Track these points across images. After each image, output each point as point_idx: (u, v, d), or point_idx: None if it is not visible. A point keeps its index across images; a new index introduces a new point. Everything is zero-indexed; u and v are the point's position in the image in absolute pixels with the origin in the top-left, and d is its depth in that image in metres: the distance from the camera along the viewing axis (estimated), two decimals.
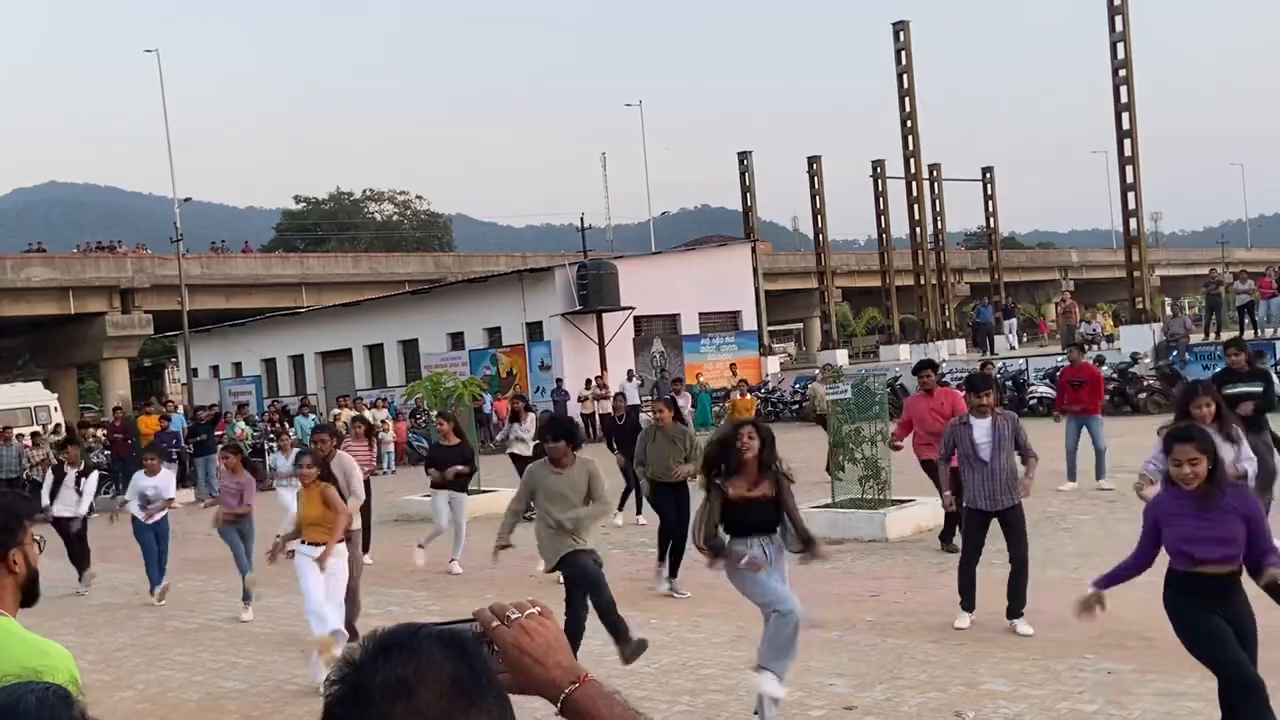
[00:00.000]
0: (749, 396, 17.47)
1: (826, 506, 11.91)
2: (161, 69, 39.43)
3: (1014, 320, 34.38)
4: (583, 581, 6.89)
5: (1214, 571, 4.63)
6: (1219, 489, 4.64)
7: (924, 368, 11.00)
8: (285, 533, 8.28)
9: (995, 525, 7.62)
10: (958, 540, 9.00)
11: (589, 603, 6.86)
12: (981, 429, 7.61)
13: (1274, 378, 10.23)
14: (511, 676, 1.39)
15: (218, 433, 22.40)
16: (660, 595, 9.44)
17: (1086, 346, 21.74)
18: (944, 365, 28.33)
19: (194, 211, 48.93)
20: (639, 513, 13.05)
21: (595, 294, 29.93)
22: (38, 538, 2.63)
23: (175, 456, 21.25)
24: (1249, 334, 24.26)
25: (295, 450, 13.38)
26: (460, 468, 11.63)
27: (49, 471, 12.88)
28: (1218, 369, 21.39)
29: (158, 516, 11.05)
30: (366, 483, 12.26)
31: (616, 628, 6.74)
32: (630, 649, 6.66)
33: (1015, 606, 7.40)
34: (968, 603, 7.63)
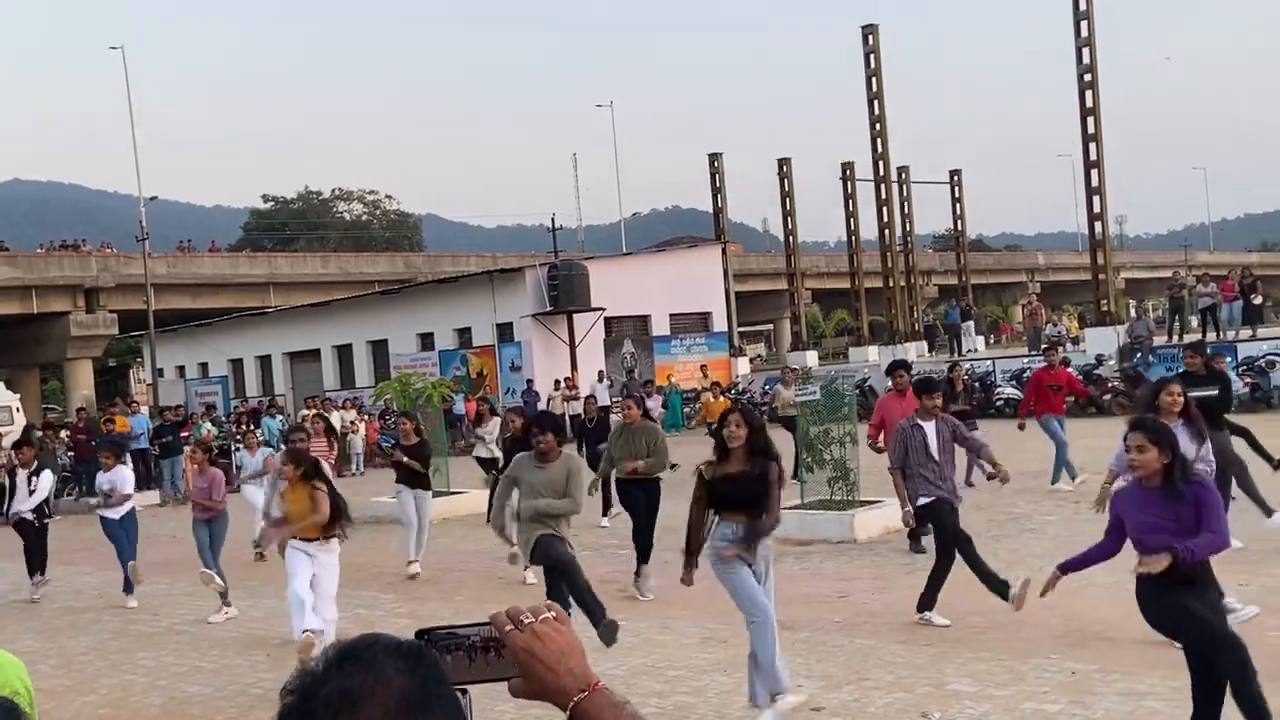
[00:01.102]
0: (723, 398, 17.46)
1: (795, 508, 11.93)
2: (127, 66, 39.07)
3: (971, 323, 34.64)
4: (557, 565, 7.12)
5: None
6: (1177, 481, 4.66)
7: (897, 368, 11.07)
8: (263, 536, 8.25)
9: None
10: (927, 541, 9.07)
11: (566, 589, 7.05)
12: (930, 430, 7.84)
13: (1231, 380, 10.36)
14: (523, 682, 1.39)
15: (184, 434, 22.16)
16: (628, 597, 9.41)
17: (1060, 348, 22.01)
18: (913, 366, 28.51)
19: (160, 210, 48.41)
20: (604, 514, 13.03)
21: (566, 295, 29.90)
22: None
23: (128, 457, 21.03)
24: (1211, 336, 24.61)
25: (262, 450, 13.34)
26: (404, 458, 11.61)
27: (5, 474, 12.72)
28: (1180, 371, 21.77)
29: (123, 510, 10.93)
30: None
31: (592, 609, 6.96)
32: (606, 630, 6.89)
33: (930, 599, 7.59)
34: (998, 585, 7.41)
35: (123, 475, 11.13)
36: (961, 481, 9.62)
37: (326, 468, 9.50)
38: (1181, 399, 6.81)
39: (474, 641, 1.40)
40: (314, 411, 24.05)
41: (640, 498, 9.78)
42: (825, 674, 6.73)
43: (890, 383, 11.05)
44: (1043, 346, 20.17)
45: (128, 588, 10.82)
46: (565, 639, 1.40)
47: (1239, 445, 10.00)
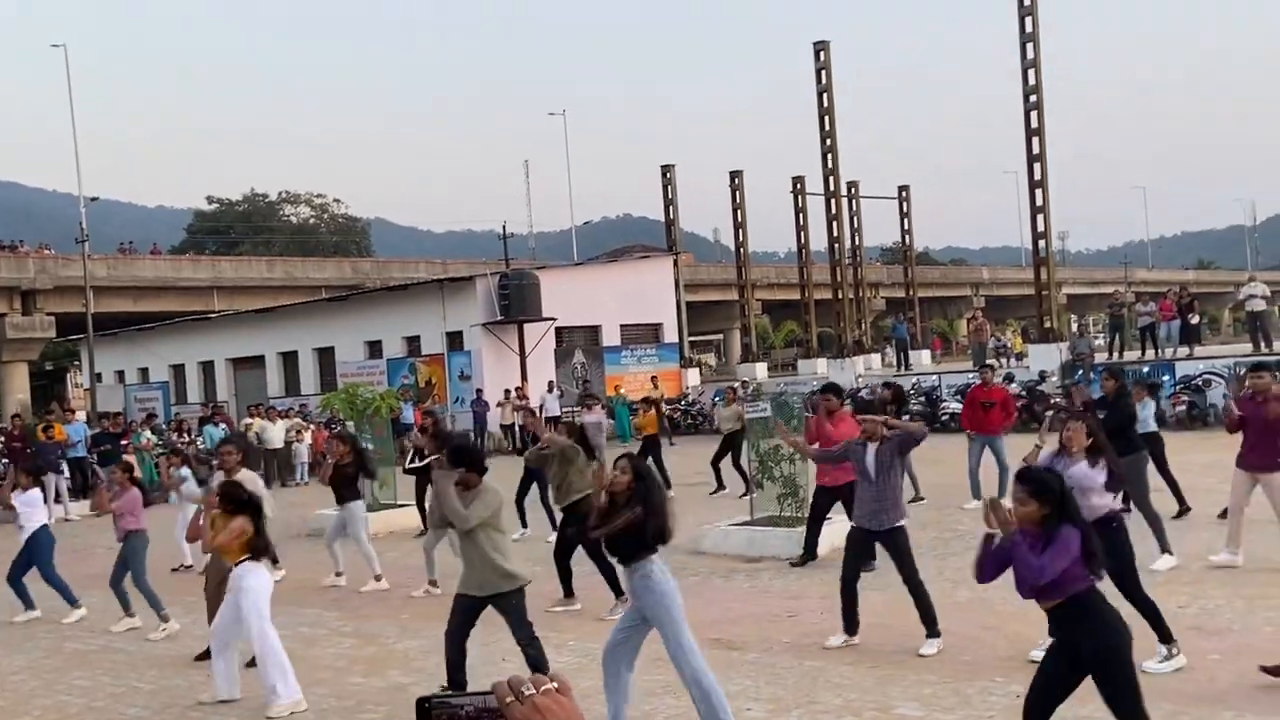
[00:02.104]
0: (651, 412, 17.75)
1: (745, 524, 11.99)
2: (69, 64, 38.33)
3: (905, 338, 35.07)
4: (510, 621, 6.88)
5: (1045, 607, 4.80)
6: (1053, 530, 4.71)
7: (826, 391, 11.11)
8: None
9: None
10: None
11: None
12: (870, 450, 7.89)
13: (1127, 408, 10.62)
14: None
15: (123, 442, 21.72)
16: (560, 614, 9.40)
17: (997, 364, 22.25)
18: (860, 380, 28.79)
19: (100, 210, 47.47)
20: (554, 528, 12.98)
21: (517, 304, 29.78)
22: None
23: (64, 468, 20.61)
24: (1150, 354, 25.11)
25: (182, 470, 13.03)
26: (324, 477, 11.68)
27: None
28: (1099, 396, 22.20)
29: (26, 533, 10.71)
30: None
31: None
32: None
33: (926, 628, 7.51)
34: (848, 625, 7.79)
35: (32, 499, 10.86)
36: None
37: (259, 487, 9.32)
38: (1082, 435, 6.82)
39: (473, 713, 1.38)
40: (255, 424, 23.72)
41: (574, 527, 9.54)
42: (774, 696, 6.75)
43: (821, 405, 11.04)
44: (980, 365, 20.41)
45: (69, 599, 10.66)
46: (566, 712, 1.39)
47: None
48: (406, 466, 14.01)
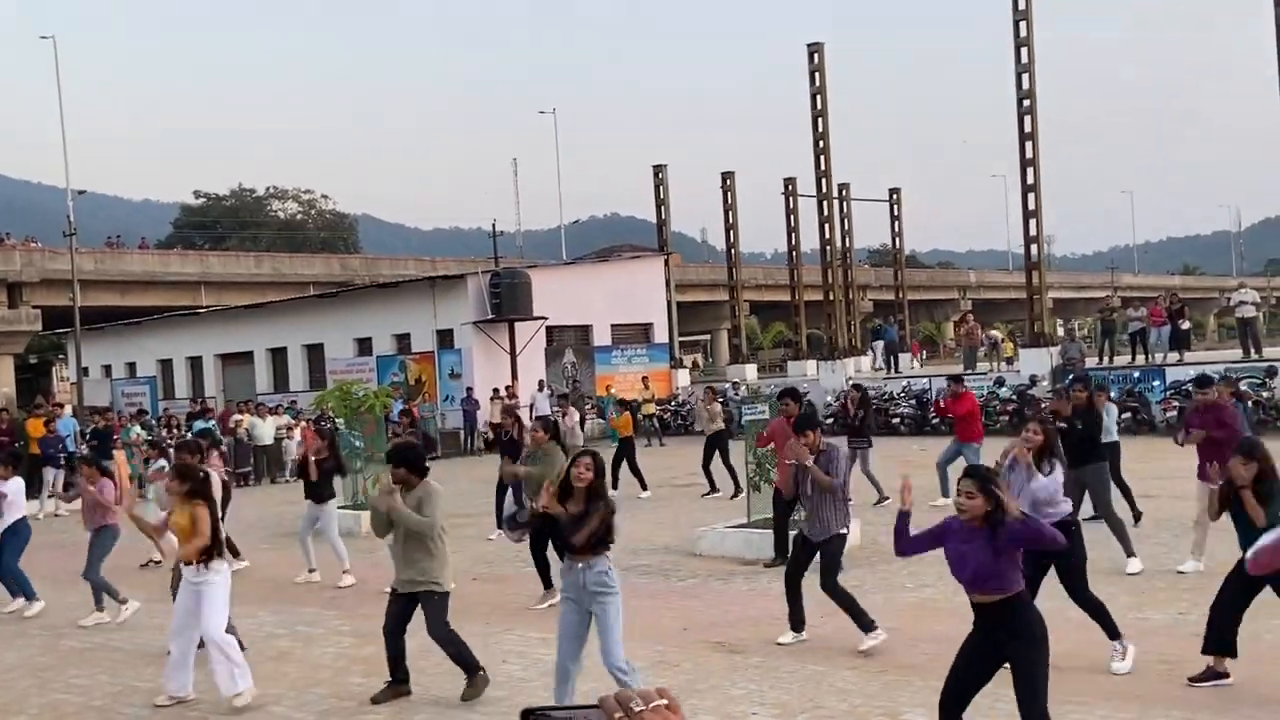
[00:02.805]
0: (626, 414, 18.28)
1: (741, 527, 11.99)
2: (58, 56, 38.05)
3: (881, 342, 35.15)
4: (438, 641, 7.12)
5: (978, 600, 5.05)
6: (997, 525, 4.96)
7: (784, 396, 11.24)
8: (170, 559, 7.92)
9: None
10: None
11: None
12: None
13: (1097, 418, 10.75)
14: None
15: (114, 437, 21.57)
16: (544, 609, 9.41)
17: (987, 371, 22.30)
18: (849, 382, 28.82)
19: (86, 203, 47.23)
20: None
21: (508, 303, 29.72)
22: None
23: (62, 463, 20.39)
24: (1140, 359, 25.23)
25: (159, 462, 13.02)
26: (313, 473, 11.72)
27: None
28: (1111, 394, 22.31)
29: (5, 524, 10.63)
30: (225, 487, 12.24)
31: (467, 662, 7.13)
32: (474, 689, 7.02)
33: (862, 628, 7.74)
34: (794, 623, 8.07)
35: (14, 487, 10.79)
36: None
37: (216, 483, 9.29)
38: (1039, 439, 7.09)
39: None
40: (245, 420, 23.61)
41: (547, 524, 9.68)
42: (779, 701, 6.73)
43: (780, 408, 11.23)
44: (966, 369, 20.45)
45: (27, 593, 10.70)
46: None
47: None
48: None
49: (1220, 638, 6.44)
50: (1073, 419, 10.13)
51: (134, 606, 9.94)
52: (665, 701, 1.37)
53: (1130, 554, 9.71)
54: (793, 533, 10.80)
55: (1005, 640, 4.96)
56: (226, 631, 7.32)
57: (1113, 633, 6.93)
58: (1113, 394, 22.06)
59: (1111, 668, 6.83)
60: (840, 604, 7.75)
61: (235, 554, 12.48)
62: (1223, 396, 10.64)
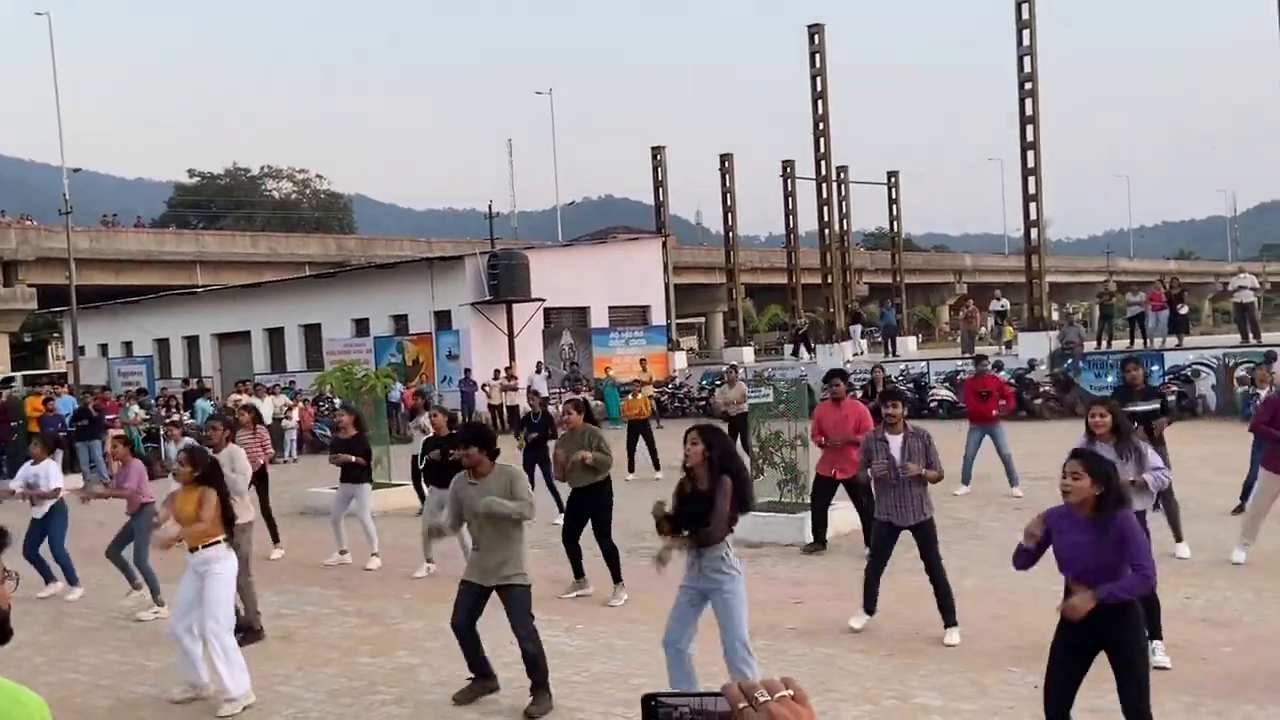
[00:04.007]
0: (640, 396, 17.78)
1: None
2: (52, 32, 37.80)
3: (859, 326, 35.16)
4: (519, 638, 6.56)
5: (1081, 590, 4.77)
6: (1108, 511, 4.72)
7: (834, 377, 11.12)
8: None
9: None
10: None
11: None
12: (895, 444, 7.76)
13: (1166, 397, 10.56)
14: None
15: (110, 416, 21.51)
16: (572, 599, 9.36)
17: (990, 354, 22.21)
18: (849, 367, 28.86)
19: (79, 181, 46.93)
20: (560, 510, 12.96)
21: (506, 284, 29.67)
22: (9, 571, 2.46)
23: (64, 441, 20.30)
24: (1139, 344, 25.27)
25: (184, 441, 12.95)
26: (347, 456, 11.44)
27: None
28: (1109, 378, 22.32)
29: (44, 508, 10.54)
30: (262, 472, 12.10)
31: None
32: (539, 707, 6.39)
33: (944, 618, 7.53)
34: (868, 605, 7.81)
35: (51, 469, 10.73)
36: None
37: (246, 466, 9.21)
38: (1108, 419, 6.79)
39: (688, 714, 1.34)
40: (244, 400, 23.55)
41: (580, 506, 9.49)
42: None
43: (828, 391, 11.09)
44: (970, 353, 20.39)
45: (70, 578, 10.53)
46: None
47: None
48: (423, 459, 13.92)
49: None
50: (1149, 398, 9.91)
51: (163, 614, 9.25)
52: (791, 692, 1.35)
53: (1179, 538, 9.48)
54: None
55: (1099, 632, 4.72)
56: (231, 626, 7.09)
57: (1157, 632, 6.64)
58: (1111, 378, 22.15)
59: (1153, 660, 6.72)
60: (938, 590, 7.49)
61: (275, 539, 12.38)
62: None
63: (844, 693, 6.50)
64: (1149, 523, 7.26)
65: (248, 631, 8.20)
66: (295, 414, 24.59)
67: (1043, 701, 4.95)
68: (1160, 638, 6.59)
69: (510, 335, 30.20)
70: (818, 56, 31.93)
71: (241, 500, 8.52)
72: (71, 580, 10.57)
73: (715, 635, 7.91)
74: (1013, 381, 24.26)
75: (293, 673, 7.60)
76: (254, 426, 12.46)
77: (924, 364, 27.91)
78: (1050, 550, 4.94)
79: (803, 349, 33.68)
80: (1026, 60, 26.95)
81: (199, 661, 7.08)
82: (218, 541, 7.03)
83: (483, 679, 6.70)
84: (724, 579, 5.91)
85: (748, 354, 36.31)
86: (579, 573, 9.55)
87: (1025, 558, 4.99)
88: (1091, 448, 6.53)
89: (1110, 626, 4.71)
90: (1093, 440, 6.75)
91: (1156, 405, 9.83)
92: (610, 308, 34.01)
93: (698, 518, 5.92)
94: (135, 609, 9.62)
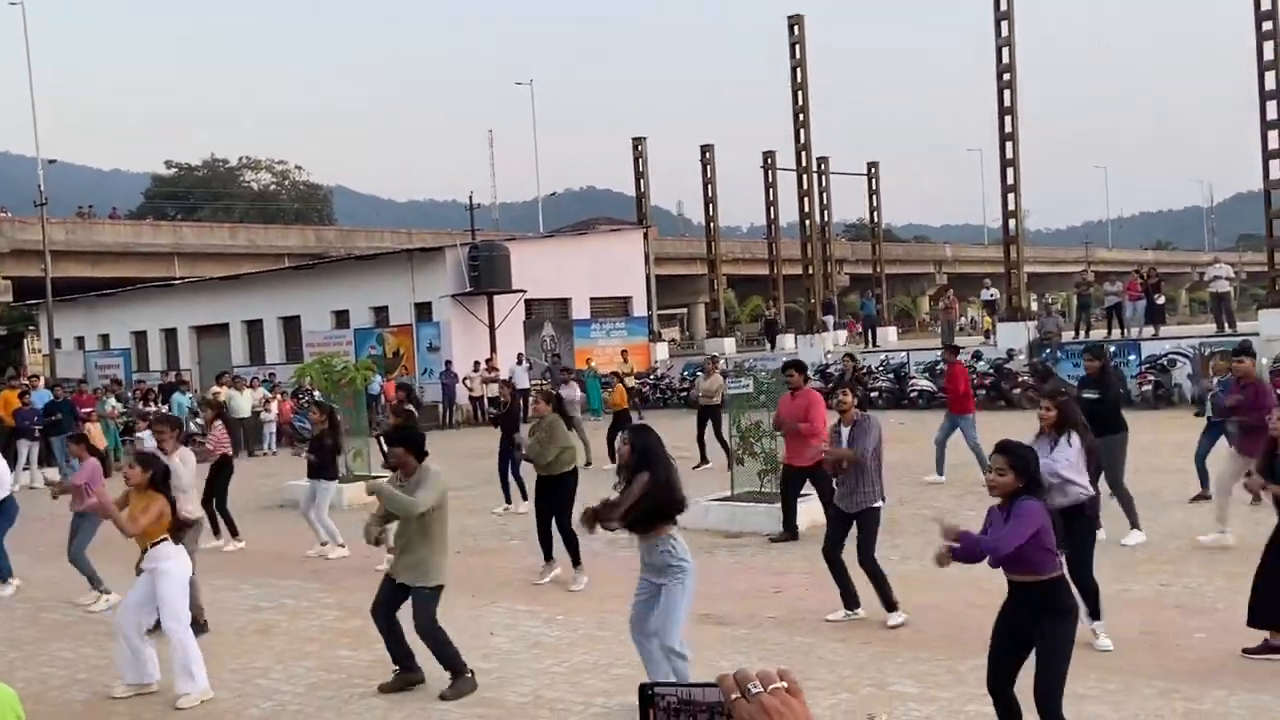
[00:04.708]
0: (619, 386, 18.05)
1: (725, 500, 12.04)
2: (26, 22, 37.37)
3: (832, 317, 35.27)
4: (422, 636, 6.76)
5: (1014, 579, 5.00)
6: (1013, 502, 4.94)
7: (789, 368, 11.16)
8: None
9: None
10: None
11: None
12: (844, 434, 7.97)
13: (1113, 387, 10.67)
14: None
15: (86, 410, 21.32)
16: (539, 585, 9.52)
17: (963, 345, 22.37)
18: (828, 356, 28.93)
19: (54, 172, 46.50)
20: (525, 498, 13.00)
21: (487, 276, 29.60)
22: None
23: (37, 436, 20.14)
24: (1116, 333, 25.45)
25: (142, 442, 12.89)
26: (310, 456, 11.66)
27: None
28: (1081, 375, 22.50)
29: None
30: (225, 465, 12.17)
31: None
32: (454, 689, 6.64)
33: (886, 607, 7.72)
34: (846, 600, 7.90)
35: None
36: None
37: (193, 466, 9.12)
38: (1053, 413, 6.91)
39: (675, 703, 1.34)
40: (221, 394, 23.43)
41: (547, 492, 9.73)
42: None
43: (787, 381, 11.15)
44: (944, 346, 20.48)
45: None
46: (795, 715, 1.32)
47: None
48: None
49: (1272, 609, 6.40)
50: (1095, 388, 10.04)
51: (113, 600, 9.42)
52: (785, 684, 1.34)
53: (1135, 526, 9.64)
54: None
55: (1034, 615, 4.91)
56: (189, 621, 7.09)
57: (1097, 613, 6.91)
58: None
59: (1097, 644, 6.87)
60: (873, 580, 7.65)
61: (233, 534, 12.39)
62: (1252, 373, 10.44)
63: (822, 681, 6.54)
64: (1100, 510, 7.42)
65: (194, 625, 8.17)
66: (274, 407, 24.49)
67: (986, 678, 5.14)
68: (1100, 619, 6.85)
69: (491, 327, 30.14)
70: (798, 47, 31.93)
71: (187, 496, 8.57)
72: (4, 576, 10.49)
73: (705, 630, 7.99)
74: (991, 371, 24.44)
75: (272, 665, 7.59)
76: (214, 421, 12.61)
77: (904, 354, 28.02)
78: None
79: (768, 341, 33.91)
80: (1005, 51, 27.04)
81: (146, 661, 7.04)
82: (164, 539, 7.05)
83: (406, 671, 6.86)
84: (670, 569, 5.97)
85: (729, 344, 36.37)
86: (548, 556, 9.75)
87: (968, 553, 5.17)
88: (1041, 443, 6.73)
89: (1040, 613, 4.90)
90: (1043, 434, 6.92)
91: (1095, 395, 9.98)
92: (592, 299, 33.99)
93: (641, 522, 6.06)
94: (89, 605, 9.64)
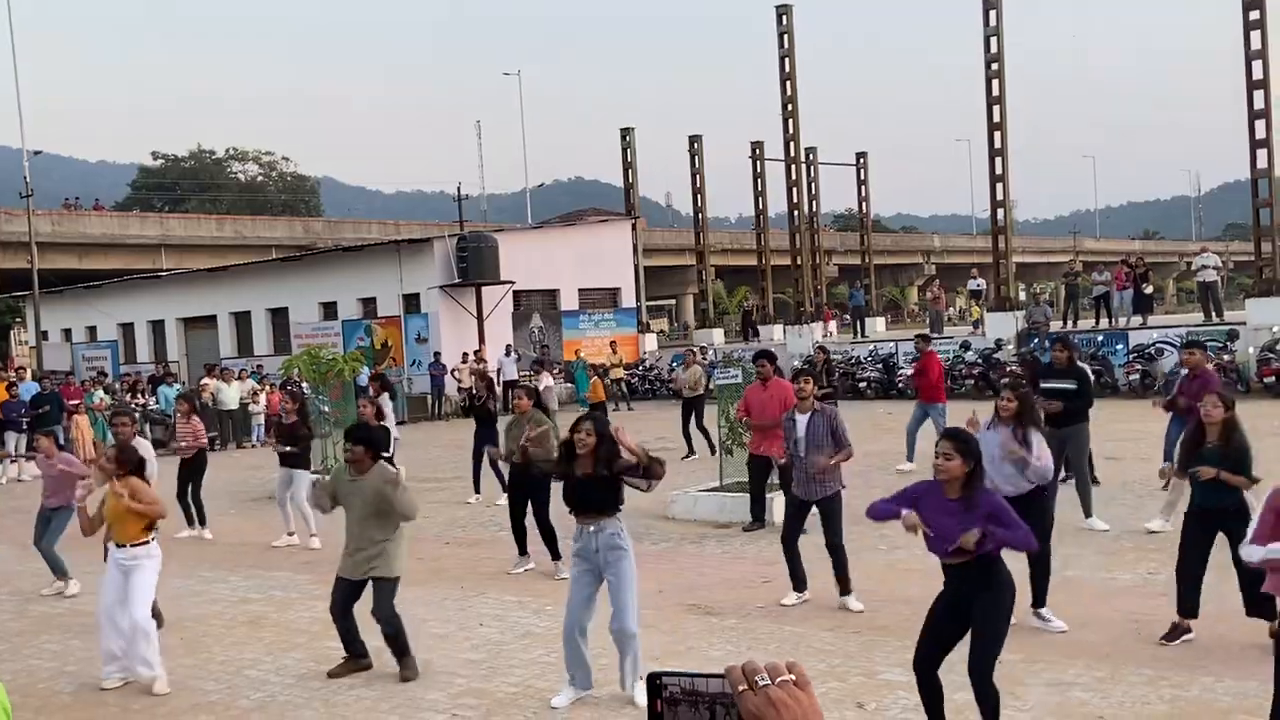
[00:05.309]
0: (596, 381, 18.44)
1: (715, 490, 12.05)
2: (10, 12, 37.13)
3: (861, 306, 35.35)
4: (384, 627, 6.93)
5: (951, 563, 5.09)
6: (975, 492, 5.02)
7: (759, 358, 11.22)
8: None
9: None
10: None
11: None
12: (802, 423, 8.09)
13: (1089, 378, 10.73)
14: None
15: (74, 402, 21.25)
16: (523, 575, 9.62)
17: (934, 335, 22.36)
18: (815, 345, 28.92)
19: (39, 164, 46.25)
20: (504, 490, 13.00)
21: (475, 267, 29.54)
22: None
23: (25, 428, 20.04)
24: (1104, 323, 25.53)
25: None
26: (284, 448, 11.70)
27: None
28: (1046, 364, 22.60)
29: None
30: (199, 458, 12.40)
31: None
32: (410, 670, 6.90)
33: (841, 587, 7.90)
34: (795, 583, 8.12)
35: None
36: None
37: (154, 461, 9.10)
38: (1013, 405, 7.02)
39: (678, 693, 1.33)
40: (210, 386, 23.37)
41: (524, 486, 9.75)
42: None
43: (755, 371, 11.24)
44: (917, 334, 20.55)
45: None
46: (802, 708, 1.30)
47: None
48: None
49: (1191, 600, 6.58)
50: (1065, 378, 10.14)
51: (76, 587, 9.65)
52: (793, 677, 1.33)
53: (1088, 514, 9.94)
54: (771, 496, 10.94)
55: (973, 593, 5.03)
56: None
57: (1042, 600, 7.07)
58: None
59: (1049, 626, 7.00)
60: (836, 562, 7.85)
61: (202, 522, 12.44)
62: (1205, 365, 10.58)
63: (811, 669, 6.49)
64: (1055, 496, 7.52)
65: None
66: (262, 399, 24.41)
67: (913, 657, 5.23)
68: (1044, 604, 7.02)
69: (480, 318, 30.10)
70: (786, 38, 31.90)
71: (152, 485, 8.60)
72: None
73: (694, 620, 8.00)
74: (980, 361, 24.51)
75: (261, 657, 7.58)
76: (189, 416, 12.70)
77: (892, 344, 28.07)
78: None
79: (747, 332, 33.95)
80: (993, 41, 27.05)
81: (137, 656, 7.05)
82: (146, 542, 7.14)
83: (355, 658, 7.08)
84: (618, 549, 6.14)
85: (718, 335, 36.38)
86: (522, 549, 9.82)
87: (880, 510, 5.33)
88: (993, 429, 6.88)
89: (980, 589, 5.00)
90: (998, 421, 7.02)
91: (1071, 385, 10.03)
92: (580, 290, 33.96)
93: (595, 502, 6.18)
94: (55, 594, 9.67)
